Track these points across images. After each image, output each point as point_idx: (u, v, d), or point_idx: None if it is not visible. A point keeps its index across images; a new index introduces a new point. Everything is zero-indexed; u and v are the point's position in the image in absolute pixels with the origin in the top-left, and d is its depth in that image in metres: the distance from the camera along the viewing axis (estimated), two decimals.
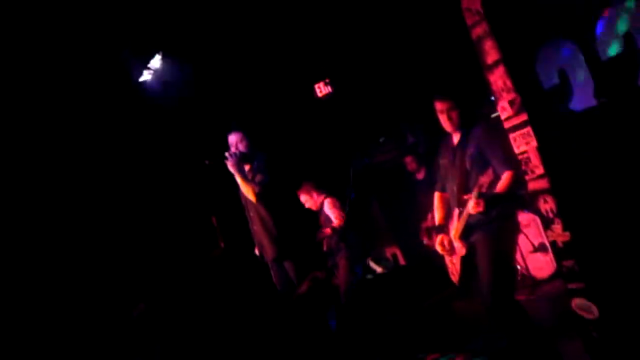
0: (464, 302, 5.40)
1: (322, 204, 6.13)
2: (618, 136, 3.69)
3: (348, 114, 7.10)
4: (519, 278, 5.78)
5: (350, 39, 6.17)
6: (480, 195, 3.66)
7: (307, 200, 6.24)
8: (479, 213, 3.74)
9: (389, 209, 7.93)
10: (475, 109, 4.07)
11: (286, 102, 6.86)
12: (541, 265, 5.57)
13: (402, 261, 7.65)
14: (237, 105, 6.48)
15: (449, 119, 3.92)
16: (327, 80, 7.14)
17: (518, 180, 3.65)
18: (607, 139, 3.55)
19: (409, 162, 6.65)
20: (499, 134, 3.78)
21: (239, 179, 5.12)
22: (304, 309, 3.73)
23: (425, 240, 6.76)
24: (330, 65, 6.86)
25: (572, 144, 3.37)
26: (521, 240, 5.59)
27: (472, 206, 3.71)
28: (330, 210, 6.01)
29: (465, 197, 3.80)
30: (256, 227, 5.31)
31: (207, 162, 5.16)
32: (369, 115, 6.95)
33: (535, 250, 5.56)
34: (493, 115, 5.74)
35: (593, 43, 4.75)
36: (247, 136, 5.25)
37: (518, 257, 5.69)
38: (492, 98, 6.31)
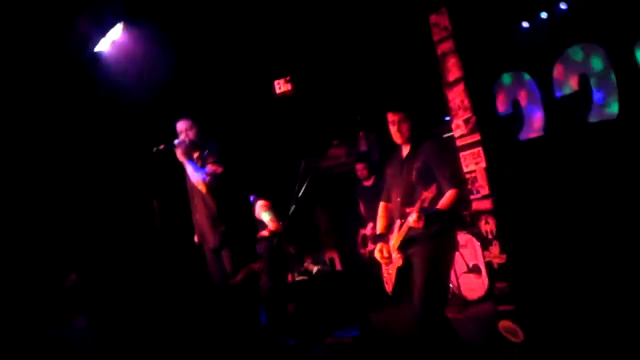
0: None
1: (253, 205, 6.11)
2: (562, 167, 3.81)
3: (304, 114, 7.09)
4: (450, 296, 5.89)
5: (317, 40, 6.15)
6: (422, 210, 3.70)
7: None
8: (419, 227, 3.78)
9: (333, 214, 7.95)
10: (428, 126, 4.12)
11: (243, 94, 6.78)
12: (473, 287, 5.68)
13: (338, 266, 7.68)
14: (192, 91, 6.35)
15: (399, 130, 3.96)
16: (287, 78, 7.10)
17: (461, 200, 3.70)
18: (552, 169, 3.66)
19: (360, 169, 6.67)
20: (448, 151, 3.83)
21: (188, 168, 5.02)
22: (235, 299, 3.68)
23: (361, 248, 6.81)
24: (292, 64, 6.83)
25: (518, 170, 3.45)
26: (457, 259, 5.67)
27: (413, 220, 3.74)
28: (263, 212, 6.00)
29: (408, 210, 3.83)
30: (199, 215, 5.22)
31: (155, 148, 5.03)
32: (325, 118, 6.95)
33: (468, 271, 5.66)
34: (445, 135, 5.85)
35: (550, 80, 4.94)
36: (197, 124, 5.16)
37: (452, 275, 5.79)
38: (447, 118, 6.46)
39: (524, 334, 3.30)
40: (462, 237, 5.67)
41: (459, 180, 3.72)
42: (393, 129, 3.96)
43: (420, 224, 3.71)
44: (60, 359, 2.85)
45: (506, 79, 5.10)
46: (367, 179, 6.68)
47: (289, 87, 7.13)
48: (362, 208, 6.80)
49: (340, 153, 7.53)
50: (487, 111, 3.41)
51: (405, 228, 3.88)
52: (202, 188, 5.00)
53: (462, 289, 5.71)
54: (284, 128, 7.16)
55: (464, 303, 5.60)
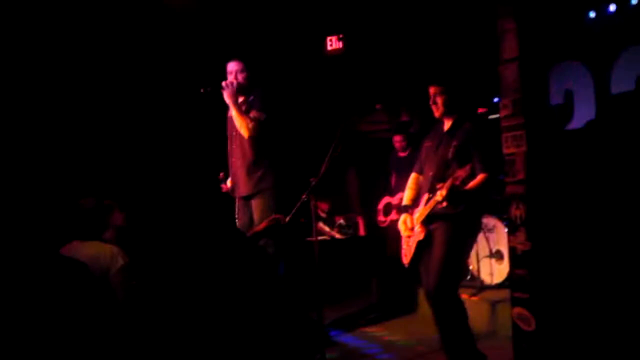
0: None
1: None
2: (604, 164, 3.72)
3: (352, 75, 7.03)
4: (467, 277, 5.88)
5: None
6: (452, 188, 3.69)
7: None
8: (446, 204, 3.78)
9: (364, 179, 7.95)
10: (473, 104, 4.07)
11: (294, 47, 6.74)
12: (492, 271, 5.66)
13: (362, 231, 7.71)
14: (243, 37, 6.33)
15: (434, 103, 3.97)
16: (340, 36, 7.03)
17: (490, 185, 3.66)
18: (594, 165, 3.57)
19: (399, 140, 6.64)
20: (488, 134, 3.77)
21: (234, 111, 5.01)
22: (255, 246, 3.72)
23: (380, 216, 6.82)
24: (346, 22, 6.76)
25: (559, 160, 3.38)
26: (481, 243, 5.66)
27: (441, 195, 3.74)
28: None
29: (438, 185, 3.83)
30: (235, 160, 5.24)
31: (202, 89, 5.03)
32: (372, 81, 6.89)
33: (490, 256, 5.64)
34: (491, 117, 5.75)
35: (608, 75, 4.78)
36: (248, 68, 5.14)
37: (473, 257, 5.77)
38: (496, 99, 6.33)
39: (537, 323, 3.28)
40: (490, 221, 5.63)
41: (493, 166, 3.67)
42: (431, 102, 3.97)
43: (448, 201, 3.72)
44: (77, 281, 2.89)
45: (562, 67, 4.97)
46: (403, 150, 6.64)
47: (340, 45, 7.06)
48: (393, 178, 6.79)
49: (382, 119, 7.46)
50: (536, 96, 3.32)
51: (432, 203, 3.88)
52: (244, 132, 5.00)
53: (481, 272, 5.70)
54: (330, 86, 7.12)
55: (481, 286, 5.60)
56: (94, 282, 2.95)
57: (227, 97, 4.98)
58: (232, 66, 5.11)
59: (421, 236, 4.03)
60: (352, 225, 7.48)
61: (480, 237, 5.66)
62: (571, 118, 5.05)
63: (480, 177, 3.79)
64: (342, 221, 7.35)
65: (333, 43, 7.11)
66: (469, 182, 3.80)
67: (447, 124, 4.09)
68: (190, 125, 6.40)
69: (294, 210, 4.14)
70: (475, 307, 4.94)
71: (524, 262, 3.28)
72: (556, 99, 4.80)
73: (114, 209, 3.66)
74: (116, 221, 3.67)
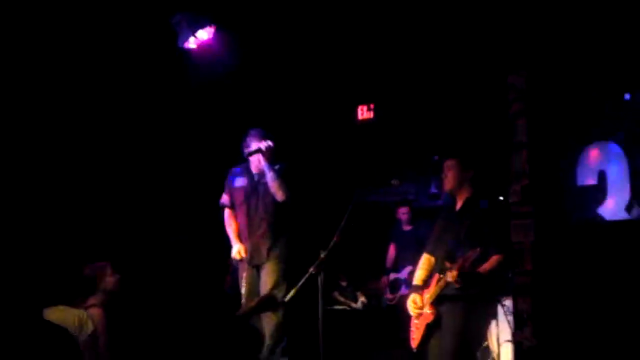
0: None
1: None
2: (624, 259, 3.52)
3: (380, 145, 7.01)
4: None
5: (402, 76, 6.10)
6: (462, 269, 3.57)
7: None
8: (456, 286, 3.66)
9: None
10: (489, 185, 3.96)
11: (323, 118, 6.79)
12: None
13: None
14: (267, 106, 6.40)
15: (446, 177, 3.88)
16: (371, 106, 7.06)
17: (505, 266, 3.52)
18: (611, 259, 3.38)
19: (403, 212, 6.54)
20: (502, 215, 3.66)
21: (271, 174, 5.02)
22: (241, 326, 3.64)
23: (388, 293, 6.63)
24: (376, 94, 6.80)
25: (571, 252, 3.21)
26: (502, 324, 5.40)
27: (451, 276, 3.62)
28: None
29: (449, 265, 3.71)
30: (257, 228, 5.21)
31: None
32: (399, 152, 6.86)
33: (513, 341, 5.36)
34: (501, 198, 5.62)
35: None
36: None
37: (493, 341, 5.51)
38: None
39: None
40: (510, 303, 5.38)
41: (507, 247, 3.54)
42: (443, 175, 3.90)
43: (458, 283, 3.59)
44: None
45: (594, 149, 4.82)
46: (408, 223, 6.54)
47: (371, 114, 7.08)
48: (392, 251, 6.68)
49: (409, 190, 7.37)
50: (548, 183, 3.19)
51: (442, 283, 3.75)
52: (280, 196, 4.97)
53: (501, 357, 5.42)
54: (354, 155, 7.11)
55: None
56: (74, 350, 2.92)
57: (264, 160, 5.00)
58: (259, 133, 5.16)
59: (430, 318, 3.88)
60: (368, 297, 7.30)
61: (502, 320, 5.42)
62: (604, 199, 4.86)
63: (494, 258, 3.66)
64: (363, 299, 7.18)
65: (364, 112, 7.14)
66: (480, 264, 3.69)
67: (460, 202, 4.00)
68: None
69: (297, 286, 4.05)
70: None
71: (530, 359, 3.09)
72: (588, 179, 4.64)
73: (106, 273, 3.65)
74: (107, 285, 3.65)
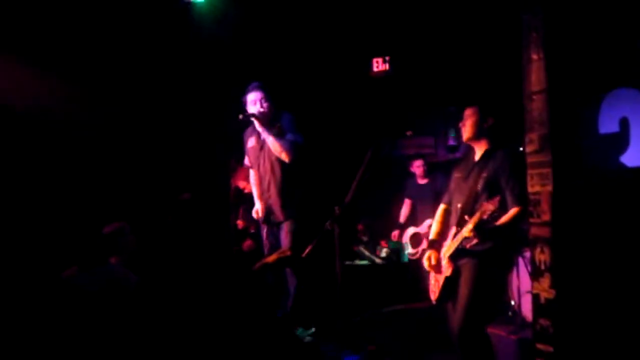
0: None
1: None
2: None
3: (395, 98, 6.89)
4: (509, 314, 5.58)
5: (417, 26, 5.93)
6: (480, 222, 3.52)
7: None
8: (474, 240, 3.63)
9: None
10: (507, 135, 3.86)
11: (336, 69, 6.66)
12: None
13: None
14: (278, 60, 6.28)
15: (464, 126, 3.83)
16: (387, 58, 6.91)
17: (523, 218, 3.45)
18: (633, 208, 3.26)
19: (418, 165, 6.47)
20: (520, 166, 3.57)
21: (270, 137, 4.98)
22: (260, 278, 3.64)
23: (411, 249, 6.61)
24: (392, 46, 6.64)
25: (592, 201, 3.10)
26: (523, 276, 5.36)
27: (468, 230, 3.58)
28: None
29: (467, 218, 3.66)
30: (269, 187, 5.20)
31: (241, 115, 5.02)
32: (414, 105, 6.74)
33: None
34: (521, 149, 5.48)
35: None
36: (270, 96, 5.11)
37: (515, 292, 5.47)
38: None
39: None
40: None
41: (526, 199, 3.45)
42: (461, 124, 3.85)
43: (476, 237, 3.57)
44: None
45: (615, 95, 4.65)
46: (423, 177, 6.46)
47: (386, 67, 6.94)
48: (406, 206, 6.62)
49: (427, 142, 7.26)
50: (566, 131, 3.07)
51: (459, 237, 3.72)
52: (285, 157, 4.94)
53: (523, 308, 5.39)
54: (369, 109, 7.00)
55: (523, 324, 5.29)
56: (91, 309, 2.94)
57: (260, 125, 4.95)
58: (254, 95, 5.09)
59: (449, 272, 3.87)
60: (396, 251, 7.29)
61: (523, 272, 5.37)
62: (626, 147, 4.71)
63: (512, 211, 3.64)
64: (385, 253, 7.18)
65: (379, 65, 7.00)
66: (499, 216, 3.63)
67: (479, 153, 3.92)
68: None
69: (313, 243, 4.03)
70: (510, 346, 4.69)
71: (549, 311, 3.02)
72: (608, 127, 4.49)
73: (125, 232, 3.64)
74: (127, 245, 3.65)
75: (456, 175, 4.05)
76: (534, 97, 3.09)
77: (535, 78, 3.08)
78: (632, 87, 4.64)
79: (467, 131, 3.88)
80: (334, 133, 6.81)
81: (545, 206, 3.02)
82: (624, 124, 4.84)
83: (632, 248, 2.93)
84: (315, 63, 6.58)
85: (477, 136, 3.87)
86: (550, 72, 3.02)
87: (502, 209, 3.62)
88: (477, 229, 3.58)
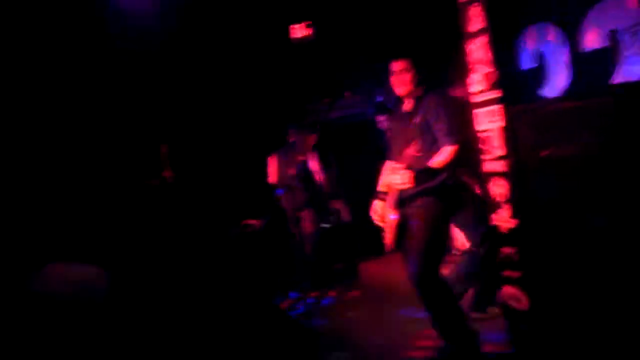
0: None
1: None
2: (583, 131, 3.61)
3: (318, 62, 6.89)
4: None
5: None
6: (409, 169, 3.57)
7: None
8: (418, 183, 3.66)
9: (345, 164, 7.86)
10: (434, 81, 3.92)
11: (259, 36, 6.58)
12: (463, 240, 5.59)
13: (346, 217, 7.61)
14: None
15: (401, 80, 3.83)
16: (308, 23, 6.87)
17: (456, 155, 3.55)
18: (573, 133, 3.46)
19: (382, 121, 6.54)
20: (449, 106, 3.66)
21: None
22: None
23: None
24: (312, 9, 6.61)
25: (536, 131, 3.26)
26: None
27: (397, 179, 3.62)
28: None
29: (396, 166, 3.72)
30: None
31: None
32: (339, 67, 6.77)
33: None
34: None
35: (578, 33, 4.67)
36: None
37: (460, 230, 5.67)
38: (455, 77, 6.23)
39: (530, 301, 3.19)
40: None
41: (458, 137, 3.55)
42: (395, 79, 3.83)
43: (408, 181, 3.59)
44: None
45: (532, 31, 4.86)
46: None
47: (308, 32, 6.90)
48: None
49: (354, 102, 7.33)
50: (508, 66, 3.19)
51: (395, 187, 3.76)
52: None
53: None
54: (296, 74, 6.98)
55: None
56: None
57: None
58: None
59: (397, 219, 3.91)
60: (335, 213, 7.38)
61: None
62: (545, 81, 4.95)
63: (445, 150, 3.65)
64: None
65: (299, 31, 6.95)
66: (426, 158, 3.67)
67: (408, 103, 3.95)
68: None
69: (271, 209, 4.02)
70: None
71: (512, 240, 3.18)
72: (528, 64, 4.70)
73: None
74: None
75: (390, 127, 4.10)
76: (474, 38, 3.18)
77: (474, 19, 3.17)
78: (546, 21, 4.91)
79: (402, 85, 3.87)
80: (262, 103, 6.76)
81: (497, 142, 3.15)
82: (541, 58, 5.10)
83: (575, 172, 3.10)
84: (235, 31, 6.47)
85: (414, 89, 3.89)
86: (488, 12, 3.11)
87: (430, 151, 3.68)
88: (404, 174, 3.61)
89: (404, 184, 3.62)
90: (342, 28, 6.47)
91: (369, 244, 6.13)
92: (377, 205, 4.01)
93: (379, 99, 7.02)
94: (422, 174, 3.63)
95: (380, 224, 4.04)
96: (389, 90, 7.12)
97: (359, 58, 6.50)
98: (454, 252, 5.59)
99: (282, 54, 6.82)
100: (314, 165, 6.24)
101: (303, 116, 4.74)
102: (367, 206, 6.92)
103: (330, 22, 6.59)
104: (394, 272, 5.56)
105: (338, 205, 7.46)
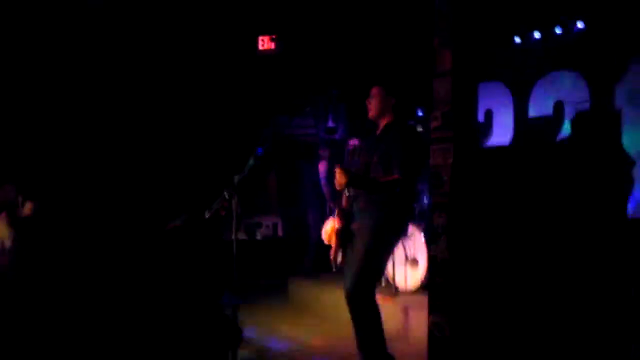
0: None
1: None
2: (521, 180, 3.92)
3: (283, 76, 7.02)
4: (383, 284, 5.98)
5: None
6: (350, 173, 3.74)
7: None
8: (366, 206, 3.81)
9: (285, 180, 7.98)
10: (405, 114, 4.15)
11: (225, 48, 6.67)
12: (406, 277, 5.78)
13: (280, 232, 7.72)
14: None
15: (370, 103, 4.02)
16: (273, 37, 7.02)
17: (399, 186, 3.73)
18: (511, 180, 3.75)
19: (323, 154, 6.72)
20: (410, 141, 3.85)
21: None
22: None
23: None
24: (280, 23, 6.77)
25: (480, 174, 3.52)
26: (397, 248, 5.76)
27: (338, 185, 3.77)
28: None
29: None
30: None
31: None
32: (302, 84, 6.92)
33: (406, 262, 5.75)
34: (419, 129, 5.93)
35: (526, 98, 5.04)
36: None
37: (389, 263, 5.87)
38: (420, 113, 6.50)
39: (451, 330, 3.39)
40: (410, 228, 5.76)
41: (410, 173, 3.73)
42: (367, 102, 4.02)
43: (341, 184, 3.75)
44: None
45: (486, 87, 5.19)
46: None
47: (272, 45, 7.05)
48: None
49: (307, 123, 7.49)
50: (465, 111, 3.44)
51: (345, 199, 3.91)
52: None
53: (396, 278, 5.81)
54: (261, 86, 7.09)
55: (395, 291, 5.71)
56: None
57: None
58: None
59: (338, 226, 4.03)
60: (271, 227, 7.47)
61: (398, 247, 5.77)
62: (490, 135, 5.28)
63: (393, 176, 3.77)
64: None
65: (265, 43, 7.09)
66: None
67: (380, 128, 4.13)
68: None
69: (214, 206, 4.06)
70: (388, 311, 5.02)
71: (443, 270, 3.38)
72: (478, 117, 5.01)
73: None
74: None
75: (360, 146, 4.28)
76: (441, 77, 3.41)
77: (443, 61, 3.41)
78: (496, 80, 5.26)
79: (372, 109, 4.07)
80: (225, 113, 6.82)
81: (445, 178, 3.37)
82: (488, 115, 5.45)
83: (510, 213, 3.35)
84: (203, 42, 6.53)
85: (381, 113, 4.08)
86: (455, 56, 3.35)
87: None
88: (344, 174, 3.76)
89: (339, 184, 3.75)
90: (310, 46, 6.64)
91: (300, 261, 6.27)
92: (327, 225, 4.12)
93: (330, 124, 7.20)
94: (353, 179, 3.75)
95: (328, 242, 4.14)
96: (339, 118, 7.37)
97: (322, 80, 6.68)
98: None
99: (247, 64, 6.93)
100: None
101: (260, 128, 4.84)
102: (304, 222, 7.05)
103: (297, 38, 6.75)
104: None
105: (275, 219, 7.57)
